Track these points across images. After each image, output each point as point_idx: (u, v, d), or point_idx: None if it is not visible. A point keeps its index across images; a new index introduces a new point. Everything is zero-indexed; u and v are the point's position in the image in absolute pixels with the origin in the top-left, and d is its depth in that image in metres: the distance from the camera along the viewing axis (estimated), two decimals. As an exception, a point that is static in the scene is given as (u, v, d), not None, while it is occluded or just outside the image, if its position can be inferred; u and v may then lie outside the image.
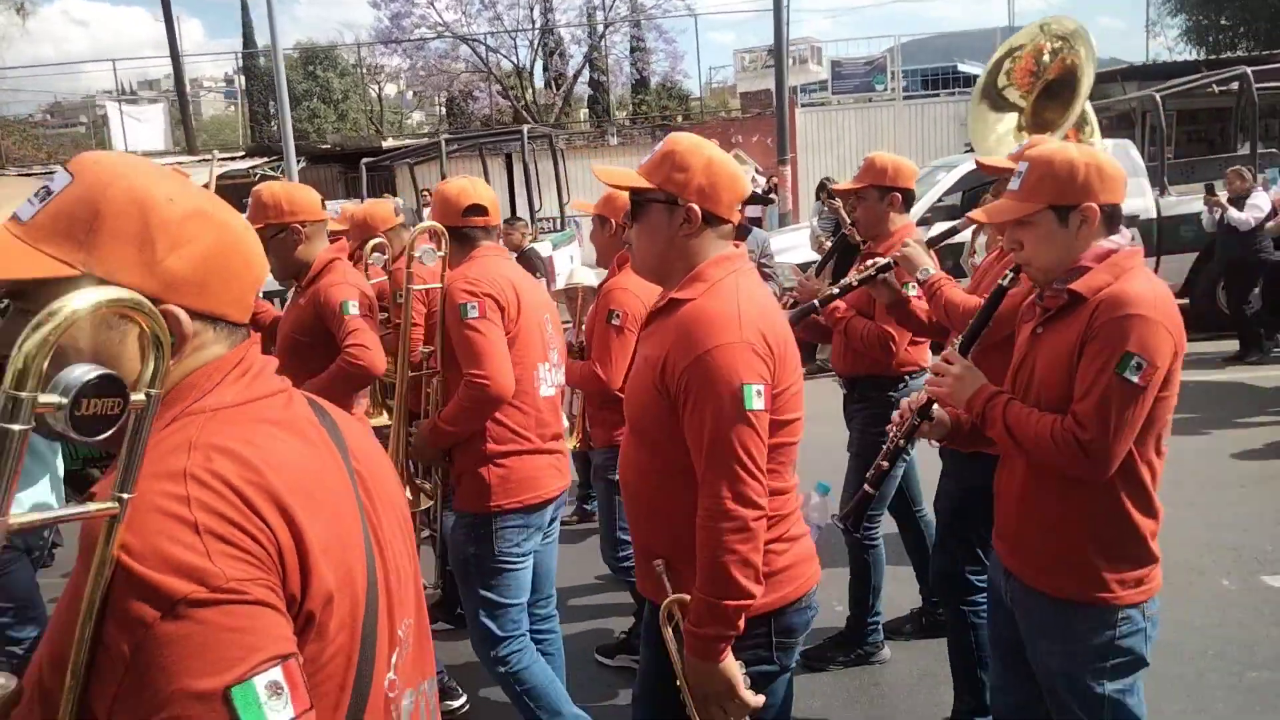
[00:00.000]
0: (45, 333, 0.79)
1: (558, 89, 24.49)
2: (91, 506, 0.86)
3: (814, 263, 4.00)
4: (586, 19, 24.13)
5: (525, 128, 12.19)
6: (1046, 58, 4.91)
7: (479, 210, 2.90)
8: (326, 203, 3.47)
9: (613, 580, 4.29)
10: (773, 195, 14.06)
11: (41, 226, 0.95)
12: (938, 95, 20.47)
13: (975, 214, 2.30)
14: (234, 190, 16.04)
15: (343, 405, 3.08)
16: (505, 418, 2.77)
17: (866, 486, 2.40)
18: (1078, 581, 2.04)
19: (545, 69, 24.85)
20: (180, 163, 17.55)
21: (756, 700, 1.86)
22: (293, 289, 3.22)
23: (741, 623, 1.81)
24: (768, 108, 18.30)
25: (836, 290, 3.32)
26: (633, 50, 24.83)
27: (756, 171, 15.23)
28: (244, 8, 27.73)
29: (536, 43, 23.98)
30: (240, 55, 26.60)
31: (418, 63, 24.30)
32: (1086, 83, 4.83)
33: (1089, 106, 5.04)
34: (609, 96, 25.03)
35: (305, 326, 3.05)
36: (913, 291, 3.21)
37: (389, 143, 17.99)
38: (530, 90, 24.56)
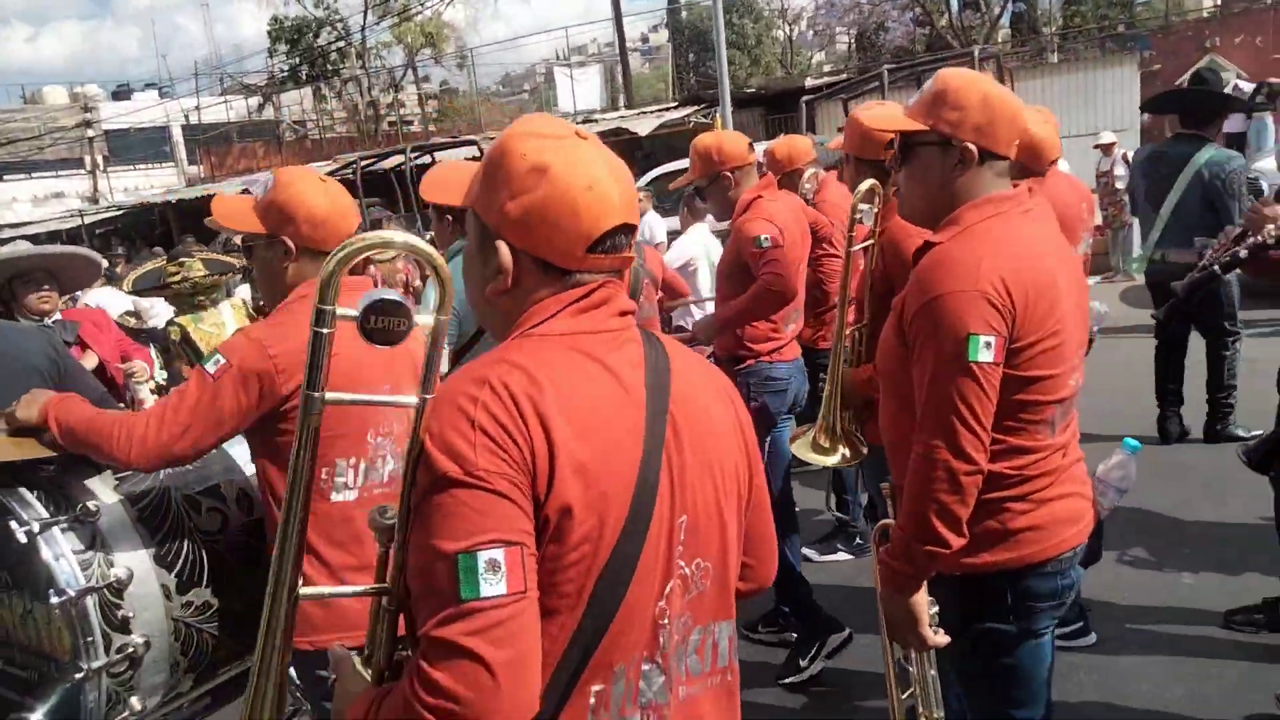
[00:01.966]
0: (336, 260, 1.11)
1: (985, 8, 23.00)
2: (402, 399, 1.17)
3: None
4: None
5: (975, 49, 11.66)
6: None
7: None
8: (753, 144, 3.65)
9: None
10: (1264, 101, 11.98)
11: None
12: None
13: None
14: (666, 138, 17.47)
15: (759, 323, 3.40)
16: None
17: None
18: None
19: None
20: (623, 116, 19.40)
21: (937, 640, 1.87)
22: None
23: (932, 567, 1.81)
24: (1255, 1, 15.64)
25: (1229, 258, 2.83)
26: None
27: (1239, 78, 13.14)
28: (671, -33, 29.53)
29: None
30: (666, 12, 28.45)
31: (830, -3, 24.15)
32: None
33: None
34: (1035, 12, 23.05)
35: (734, 260, 3.43)
36: None
37: (810, 82, 18.17)
38: (947, 14, 23.34)
